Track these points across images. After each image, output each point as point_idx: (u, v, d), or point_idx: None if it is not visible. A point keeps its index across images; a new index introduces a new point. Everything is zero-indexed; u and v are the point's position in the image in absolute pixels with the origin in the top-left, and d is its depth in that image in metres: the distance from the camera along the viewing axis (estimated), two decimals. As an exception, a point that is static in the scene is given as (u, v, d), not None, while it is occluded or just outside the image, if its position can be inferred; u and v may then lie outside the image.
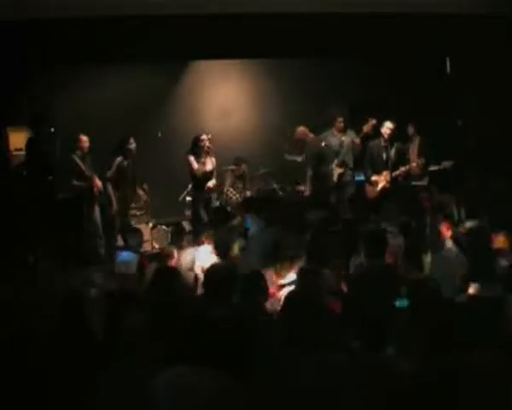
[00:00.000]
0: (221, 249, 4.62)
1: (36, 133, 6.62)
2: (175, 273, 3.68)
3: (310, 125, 7.45)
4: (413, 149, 7.47)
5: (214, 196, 7.50)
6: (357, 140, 7.16)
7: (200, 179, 7.21)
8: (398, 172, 7.00)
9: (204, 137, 7.18)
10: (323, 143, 7.21)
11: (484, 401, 2.43)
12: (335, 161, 7.22)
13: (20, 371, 2.79)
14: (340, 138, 7.26)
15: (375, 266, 3.91)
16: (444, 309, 3.03)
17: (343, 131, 7.31)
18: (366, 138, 7.21)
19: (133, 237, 5.35)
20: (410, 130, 7.54)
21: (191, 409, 2.26)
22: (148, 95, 8.48)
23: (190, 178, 7.29)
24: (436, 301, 3.17)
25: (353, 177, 7.31)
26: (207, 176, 7.24)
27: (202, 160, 7.17)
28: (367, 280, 3.79)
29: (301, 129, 7.29)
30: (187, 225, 7.51)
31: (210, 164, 7.25)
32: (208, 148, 7.16)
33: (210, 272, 3.59)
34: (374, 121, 7.01)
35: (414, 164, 7.08)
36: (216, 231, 5.07)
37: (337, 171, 7.22)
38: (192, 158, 7.16)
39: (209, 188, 7.26)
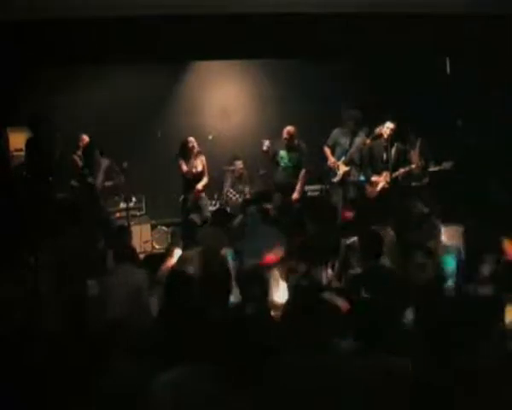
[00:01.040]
0: None
1: (36, 133, 6.61)
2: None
3: (308, 125, 7.47)
4: (414, 151, 7.46)
5: (204, 196, 7.51)
6: (369, 141, 7.13)
7: (190, 181, 7.24)
8: (397, 173, 6.99)
9: (191, 139, 7.25)
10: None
11: (484, 401, 2.43)
12: (343, 158, 7.20)
13: (21, 371, 2.79)
14: (350, 137, 7.22)
15: (374, 267, 3.92)
16: (443, 309, 3.04)
17: (354, 130, 7.25)
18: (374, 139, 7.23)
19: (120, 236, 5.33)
20: (411, 135, 7.50)
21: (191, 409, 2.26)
22: (148, 95, 8.48)
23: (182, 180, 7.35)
24: (435, 301, 3.18)
25: (358, 177, 7.31)
26: (197, 177, 7.27)
27: (192, 162, 7.21)
28: (365, 281, 3.80)
29: (290, 127, 7.25)
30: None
31: (200, 165, 7.29)
32: (194, 148, 7.22)
33: (204, 272, 3.58)
34: (392, 126, 6.96)
35: (413, 165, 7.07)
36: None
37: (342, 168, 7.19)
38: (181, 161, 7.23)
39: (198, 190, 7.28)
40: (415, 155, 7.38)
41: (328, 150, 7.33)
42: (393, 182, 6.97)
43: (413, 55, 7.65)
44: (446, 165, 7.24)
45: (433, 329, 2.69)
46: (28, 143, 6.70)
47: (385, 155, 7.04)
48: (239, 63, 8.79)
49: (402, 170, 6.99)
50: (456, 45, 7.22)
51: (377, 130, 7.08)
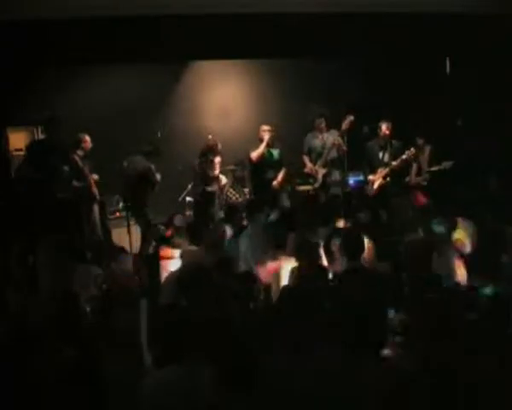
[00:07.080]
0: None
1: (51, 134, 6.59)
2: None
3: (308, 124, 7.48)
4: (424, 158, 7.42)
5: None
6: (337, 141, 7.05)
7: (211, 179, 7.49)
8: (393, 165, 6.93)
9: (209, 137, 7.46)
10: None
11: (484, 400, 2.43)
12: (318, 162, 7.21)
13: (18, 371, 2.79)
14: (322, 139, 7.23)
15: (354, 268, 3.94)
16: (446, 306, 3.03)
17: (325, 131, 7.26)
18: (366, 137, 7.20)
19: None
20: (419, 141, 7.42)
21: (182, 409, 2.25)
22: (148, 95, 8.49)
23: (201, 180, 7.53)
24: (440, 299, 3.19)
25: (347, 177, 7.36)
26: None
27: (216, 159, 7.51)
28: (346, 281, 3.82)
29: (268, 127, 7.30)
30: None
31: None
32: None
33: (182, 273, 3.59)
34: (351, 118, 6.88)
35: (409, 152, 6.91)
36: None
37: (321, 171, 7.20)
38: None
39: (222, 186, 7.61)
40: (425, 163, 7.37)
41: (305, 158, 7.36)
42: (390, 176, 6.93)
43: (412, 54, 7.67)
44: (446, 164, 7.22)
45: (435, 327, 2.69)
46: (40, 144, 6.70)
47: (381, 154, 7.05)
48: (239, 63, 8.80)
49: (398, 160, 6.91)
50: (456, 45, 7.23)
51: (343, 125, 6.90)
